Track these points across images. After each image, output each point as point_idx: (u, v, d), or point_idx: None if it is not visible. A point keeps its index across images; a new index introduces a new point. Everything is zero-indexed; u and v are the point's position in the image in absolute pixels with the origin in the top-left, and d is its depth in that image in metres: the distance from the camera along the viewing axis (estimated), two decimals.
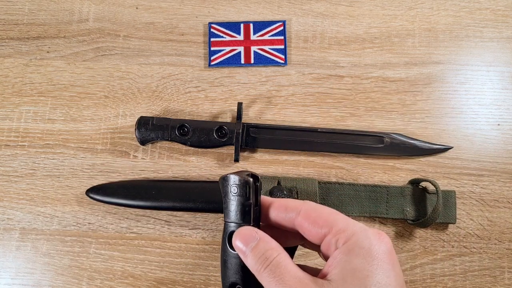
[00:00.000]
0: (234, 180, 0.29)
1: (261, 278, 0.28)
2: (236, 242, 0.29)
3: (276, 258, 0.27)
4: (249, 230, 0.29)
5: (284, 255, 0.28)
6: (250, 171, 0.30)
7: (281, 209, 0.31)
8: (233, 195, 0.29)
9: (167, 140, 0.51)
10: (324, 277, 0.27)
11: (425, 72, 0.55)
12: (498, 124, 0.53)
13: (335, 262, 0.27)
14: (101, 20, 0.56)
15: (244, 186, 0.29)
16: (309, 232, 0.29)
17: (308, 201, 0.31)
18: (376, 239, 0.27)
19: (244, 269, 0.29)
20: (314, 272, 0.30)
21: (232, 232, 0.29)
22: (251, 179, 0.29)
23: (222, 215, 0.50)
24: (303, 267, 0.29)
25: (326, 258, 0.29)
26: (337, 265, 0.27)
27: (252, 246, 0.28)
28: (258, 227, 0.30)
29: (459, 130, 0.53)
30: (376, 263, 0.26)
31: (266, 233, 0.30)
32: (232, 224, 0.29)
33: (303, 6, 0.57)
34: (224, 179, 0.30)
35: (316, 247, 0.31)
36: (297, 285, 0.26)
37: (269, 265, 0.27)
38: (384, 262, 0.26)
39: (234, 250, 0.29)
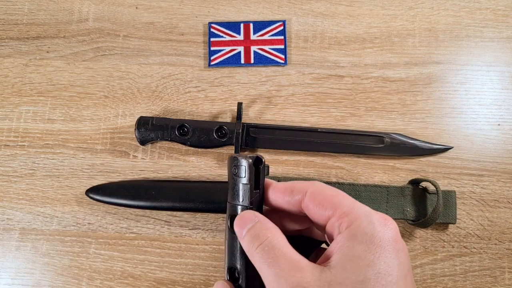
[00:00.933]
0: (235, 160, 0.29)
1: (253, 259, 0.26)
2: (235, 225, 0.28)
3: (270, 238, 0.26)
4: (249, 213, 0.28)
5: (281, 237, 0.27)
6: (257, 154, 0.29)
7: (286, 192, 0.29)
8: (233, 176, 0.29)
9: (167, 140, 0.51)
10: (324, 262, 0.26)
11: (425, 72, 0.55)
12: (499, 124, 0.53)
13: (336, 248, 0.25)
14: (101, 20, 0.56)
15: (242, 167, 0.28)
16: (315, 214, 0.28)
17: (316, 182, 0.29)
18: (381, 225, 0.26)
19: (243, 254, 0.28)
20: (315, 257, 0.29)
21: (233, 214, 0.29)
22: (250, 160, 0.28)
23: (222, 215, 0.50)
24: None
25: (330, 241, 0.28)
26: (339, 251, 0.25)
27: (249, 228, 0.27)
28: (260, 211, 0.29)
29: (459, 130, 0.53)
30: (378, 251, 0.24)
31: (272, 218, 0.29)
32: (233, 206, 0.29)
33: (303, 6, 0.57)
34: (229, 159, 0.29)
35: (323, 232, 0.30)
36: (292, 268, 0.25)
37: (261, 244, 0.26)
38: (386, 250, 0.24)
39: (234, 233, 0.28)
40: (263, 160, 0.29)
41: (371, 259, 0.24)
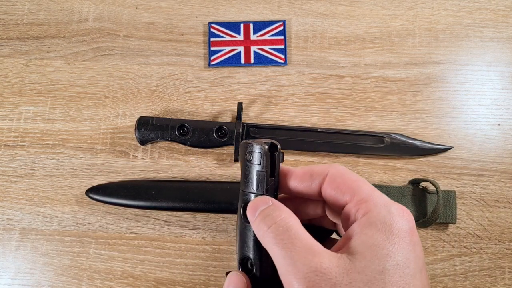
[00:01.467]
0: (250, 146, 0.27)
1: (265, 240, 0.25)
2: (248, 210, 0.27)
3: (284, 218, 0.25)
4: (263, 198, 0.27)
5: (296, 219, 0.25)
6: (271, 140, 0.28)
7: (306, 176, 0.28)
8: (248, 162, 0.27)
9: (167, 140, 0.51)
10: (340, 249, 0.25)
11: (425, 72, 0.55)
12: (499, 124, 0.53)
13: (355, 235, 0.24)
14: (101, 20, 0.56)
15: (258, 153, 0.27)
16: (332, 198, 0.27)
17: (336, 164, 0.28)
18: (399, 216, 0.24)
19: (257, 242, 0.27)
20: (327, 245, 0.29)
21: (246, 202, 0.28)
22: (266, 147, 0.27)
23: (222, 215, 0.50)
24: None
25: (344, 228, 0.27)
26: (357, 239, 0.24)
27: (262, 209, 0.26)
28: (275, 198, 0.28)
29: (459, 130, 0.53)
30: (397, 241, 0.23)
31: (287, 205, 0.28)
32: (247, 193, 0.28)
33: (303, 6, 0.57)
34: (243, 145, 0.28)
35: (337, 219, 0.29)
36: (309, 252, 0.23)
37: (275, 223, 0.24)
38: (405, 242, 0.23)
39: (248, 222, 0.27)
40: (279, 146, 0.28)
41: (390, 249, 0.23)
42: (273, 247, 0.24)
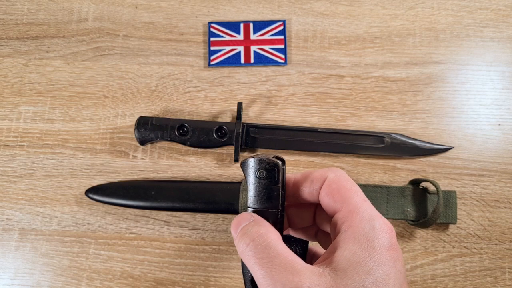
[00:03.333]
0: (262, 163, 0.27)
1: (245, 258, 0.25)
2: (231, 228, 0.27)
3: (263, 235, 0.25)
4: (244, 214, 0.27)
5: (276, 235, 0.25)
6: (274, 154, 0.28)
7: (307, 183, 0.28)
8: (259, 179, 0.27)
9: (167, 140, 0.51)
10: (324, 261, 0.25)
11: (426, 72, 0.54)
12: (499, 124, 0.53)
13: (339, 249, 0.25)
14: (101, 19, 0.56)
15: (273, 170, 0.27)
16: (326, 204, 0.27)
17: (336, 169, 0.28)
18: (383, 232, 0.25)
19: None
20: (312, 257, 0.28)
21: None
22: (280, 162, 0.27)
23: (222, 215, 0.50)
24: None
25: (332, 236, 0.27)
26: (341, 254, 0.24)
27: (242, 226, 0.26)
28: (284, 211, 0.28)
29: (459, 130, 0.53)
30: (378, 258, 0.24)
31: (289, 211, 0.28)
32: (260, 210, 0.27)
33: (303, 6, 0.57)
34: (250, 162, 0.27)
35: (328, 228, 0.29)
36: (288, 271, 0.23)
37: (253, 240, 0.25)
38: (385, 258, 0.24)
39: None
40: (284, 159, 0.28)
41: (370, 266, 0.24)
42: (253, 266, 0.24)
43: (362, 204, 0.26)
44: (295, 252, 0.26)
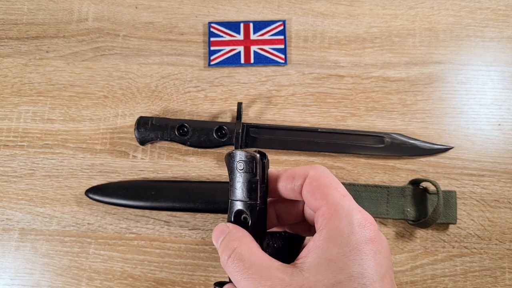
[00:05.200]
0: (240, 156, 0.28)
1: (227, 270, 0.26)
2: (213, 240, 0.28)
3: (237, 249, 0.26)
4: (220, 226, 0.28)
5: (249, 244, 0.26)
6: (257, 149, 0.29)
7: (288, 180, 0.29)
8: (239, 171, 0.28)
9: (167, 140, 0.51)
10: (301, 258, 0.26)
11: (426, 72, 0.54)
12: (499, 124, 0.53)
13: (313, 248, 0.25)
14: (101, 19, 0.56)
15: (251, 162, 0.28)
16: (308, 202, 0.28)
17: (317, 166, 0.28)
18: (360, 226, 0.25)
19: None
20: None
21: (238, 211, 0.28)
22: (257, 155, 0.28)
23: (222, 215, 0.50)
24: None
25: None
26: (313, 253, 0.25)
27: (220, 240, 0.27)
28: (265, 204, 0.29)
29: (459, 130, 0.53)
30: (353, 253, 0.24)
31: (277, 207, 0.29)
32: (238, 202, 0.28)
33: (303, 6, 0.57)
34: (230, 155, 0.28)
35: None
36: (262, 277, 0.24)
37: (229, 257, 0.26)
38: (362, 252, 0.24)
39: (244, 226, 0.28)
40: (267, 154, 0.29)
41: (344, 262, 0.24)
42: (235, 279, 0.26)
43: (340, 200, 0.26)
44: (279, 248, 0.28)
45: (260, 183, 0.28)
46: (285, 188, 0.29)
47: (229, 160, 0.29)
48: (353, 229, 0.25)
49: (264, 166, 0.29)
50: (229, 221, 0.29)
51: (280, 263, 0.25)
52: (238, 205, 0.28)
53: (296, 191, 0.29)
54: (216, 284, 0.30)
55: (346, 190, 0.27)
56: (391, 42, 0.55)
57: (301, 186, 0.28)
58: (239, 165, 0.28)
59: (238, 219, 0.28)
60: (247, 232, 0.27)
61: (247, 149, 0.28)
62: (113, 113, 0.53)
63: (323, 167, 0.28)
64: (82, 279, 0.49)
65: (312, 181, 0.28)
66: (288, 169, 0.29)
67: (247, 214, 0.28)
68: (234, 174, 0.28)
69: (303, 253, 0.26)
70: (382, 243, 0.25)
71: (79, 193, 0.51)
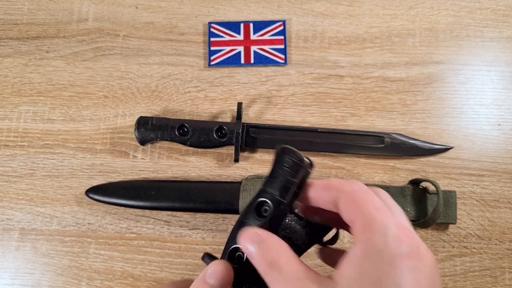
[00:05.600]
0: (293, 153, 0.28)
1: (267, 279, 0.27)
2: (242, 241, 0.28)
3: (279, 260, 0.26)
4: (253, 230, 0.28)
5: (287, 254, 0.27)
6: (308, 157, 0.29)
7: (322, 189, 0.29)
8: (284, 166, 0.28)
9: (167, 140, 0.51)
10: (336, 266, 0.26)
11: (426, 72, 0.54)
12: (499, 124, 0.53)
13: (348, 261, 0.25)
14: (101, 19, 0.56)
15: (298, 163, 0.28)
16: (344, 216, 0.28)
17: (353, 180, 0.28)
18: (395, 240, 0.24)
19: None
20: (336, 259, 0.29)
21: (262, 201, 0.28)
22: (308, 161, 0.28)
23: (222, 215, 0.50)
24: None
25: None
26: (349, 266, 0.24)
27: (256, 248, 0.27)
28: (289, 208, 0.29)
29: (459, 130, 0.53)
30: (388, 268, 0.23)
31: (307, 212, 0.29)
32: (268, 193, 0.28)
33: (303, 6, 0.57)
34: (284, 149, 0.29)
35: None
36: (297, 285, 0.25)
37: (271, 260, 0.26)
38: (397, 268, 0.23)
39: (260, 218, 0.28)
40: (313, 165, 0.29)
41: (378, 276, 0.23)
42: (272, 286, 0.26)
43: (376, 213, 0.26)
44: (297, 231, 0.29)
45: (296, 186, 0.28)
46: (318, 197, 0.29)
47: (280, 153, 0.29)
48: (388, 242, 0.24)
49: (307, 174, 0.29)
50: (251, 205, 0.29)
51: (315, 274, 0.26)
52: (266, 196, 0.28)
53: (329, 202, 0.29)
54: (206, 255, 0.31)
55: (383, 204, 0.27)
56: (391, 42, 0.55)
57: (335, 198, 0.28)
58: (287, 161, 0.28)
59: (258, 210, 0.29)
60: (283, 241, 0.28)
61: (301, 152, 0.29)
62: (113, 113, 0.53)
63: (358, 182, 0.28)
64: (82, 279, 0.49)
65: (345, 195, 0.27)
66: (323, 180, 0.30)
67: (269, 206, 0.28)
68: (277, 166, 0.28)
69: (339, 265, 0.26)
70: (422, 260, 0.24)
71: (79, 193, 0.51)
